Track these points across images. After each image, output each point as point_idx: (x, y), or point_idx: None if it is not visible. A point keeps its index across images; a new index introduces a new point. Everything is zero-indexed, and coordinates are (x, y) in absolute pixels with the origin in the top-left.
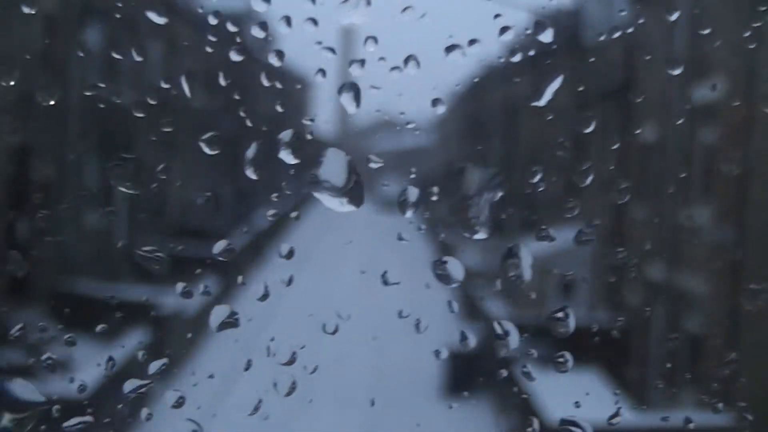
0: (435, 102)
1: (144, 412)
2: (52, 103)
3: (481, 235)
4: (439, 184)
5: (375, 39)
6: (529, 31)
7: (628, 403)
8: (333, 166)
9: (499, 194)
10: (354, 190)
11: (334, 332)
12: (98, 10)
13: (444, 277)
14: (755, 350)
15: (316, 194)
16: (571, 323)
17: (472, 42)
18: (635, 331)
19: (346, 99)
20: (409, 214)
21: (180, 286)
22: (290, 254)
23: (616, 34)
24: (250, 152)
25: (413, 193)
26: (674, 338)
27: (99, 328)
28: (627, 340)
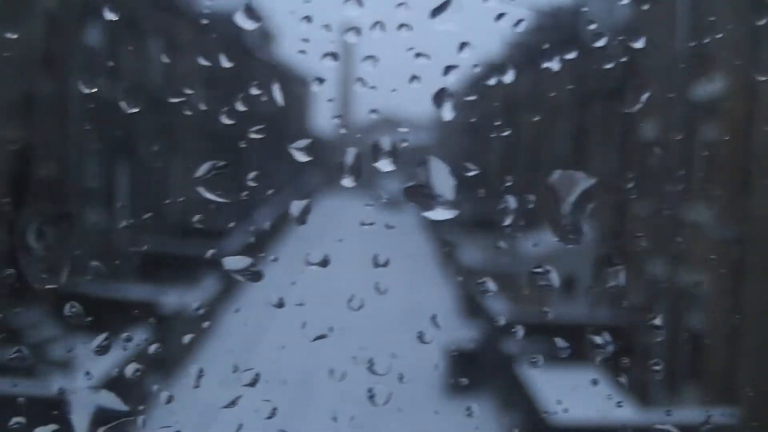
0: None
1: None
2: (136, 110)
3: (574, 243)
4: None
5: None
6: (621, 38)
7: (629, 400)
8: (437, 175)
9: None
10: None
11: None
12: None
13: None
14: (757, 348)
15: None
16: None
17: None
18: (637, 328)
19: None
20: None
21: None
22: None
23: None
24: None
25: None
26: (676, 336)
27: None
28: (628, 337)
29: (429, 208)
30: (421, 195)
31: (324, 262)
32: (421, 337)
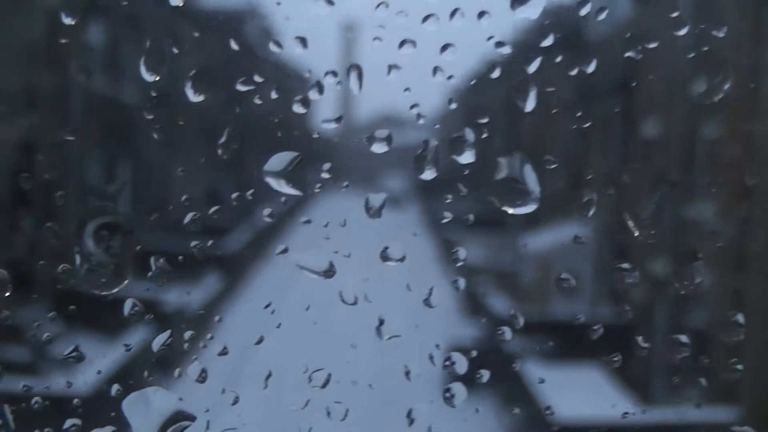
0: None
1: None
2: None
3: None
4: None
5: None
6: (703, 26)
7: (631, 399)
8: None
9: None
10: None
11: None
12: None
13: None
14: (759, 347)
15: None
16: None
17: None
18: (639, 326)
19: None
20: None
21: None
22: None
23: None
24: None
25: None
26: (678, 334)
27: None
28: (630, 336)
29: (514, 202)
30: (509, 189)
31: (402, 258)
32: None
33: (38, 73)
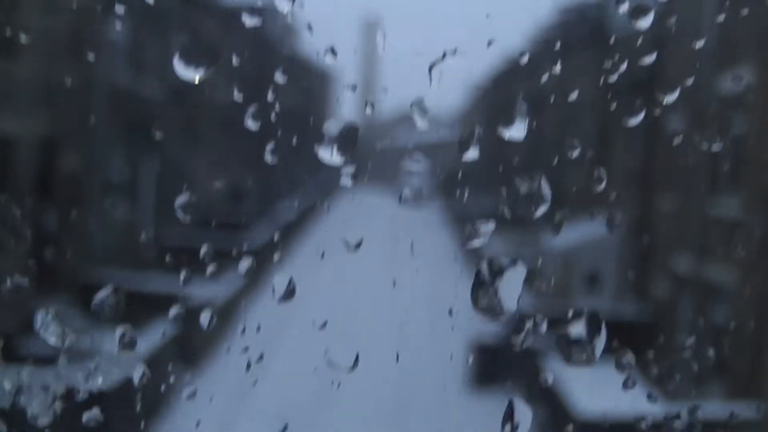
0: None
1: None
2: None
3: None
4: None
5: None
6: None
7: (653, 393)
8: None
9: None
10: None
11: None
12: None
13: None
14: None
15: None
16: None
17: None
18: (662, 322)
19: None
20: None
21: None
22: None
23: None
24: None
25: None
26: (701, 329)
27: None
28: (654, 331)
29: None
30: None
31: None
32: None
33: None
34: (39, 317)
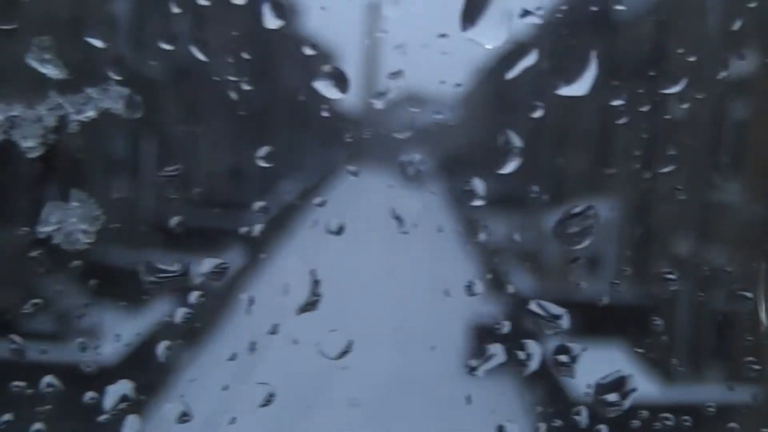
0: None
1: None
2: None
3: None
4: None
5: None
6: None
7: (653, 378)
8: None
9: None
10: None
11: None
12: None
13: None
14: None
15: None
16: None
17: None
18: (661, 306)
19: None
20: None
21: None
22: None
23: None
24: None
25: None
26: (701, 314)
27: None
28: (653, 315)
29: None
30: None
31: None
32: None
33: None
34: None
